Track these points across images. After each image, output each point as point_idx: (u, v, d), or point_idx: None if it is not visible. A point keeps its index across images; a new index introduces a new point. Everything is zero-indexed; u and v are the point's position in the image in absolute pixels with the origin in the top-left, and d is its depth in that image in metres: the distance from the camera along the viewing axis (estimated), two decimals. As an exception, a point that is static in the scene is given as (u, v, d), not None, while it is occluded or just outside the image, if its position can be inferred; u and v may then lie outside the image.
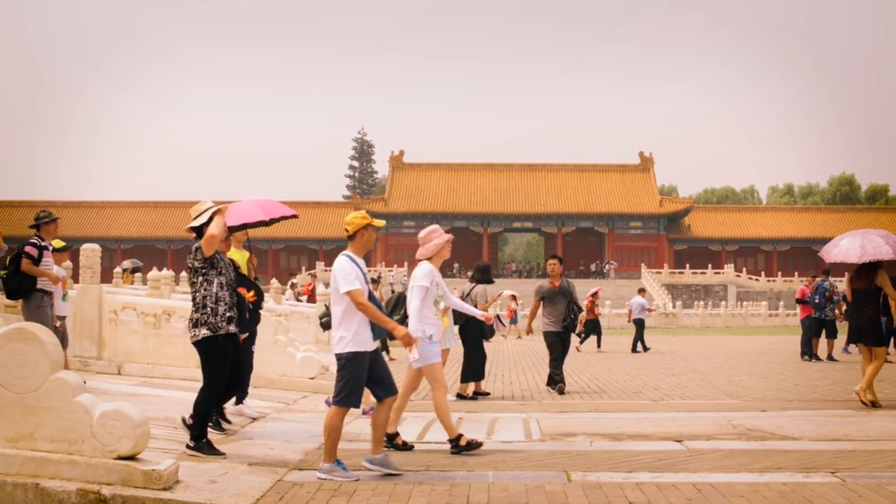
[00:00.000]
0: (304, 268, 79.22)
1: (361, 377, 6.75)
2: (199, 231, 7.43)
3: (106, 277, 17.69)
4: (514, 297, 34.02)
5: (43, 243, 10.55)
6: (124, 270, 27.08)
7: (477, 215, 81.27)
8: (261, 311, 9.90)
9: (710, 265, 77.54)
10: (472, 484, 6.40)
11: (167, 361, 13.54)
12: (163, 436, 7.79)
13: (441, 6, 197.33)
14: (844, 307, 17.37)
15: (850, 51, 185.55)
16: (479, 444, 7.78)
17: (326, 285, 26.34)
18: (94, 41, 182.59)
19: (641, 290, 27.18)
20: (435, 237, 8.02)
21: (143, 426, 5.69)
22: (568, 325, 12.95)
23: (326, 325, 12.16)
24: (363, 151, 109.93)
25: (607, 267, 79.43)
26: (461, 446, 7.70)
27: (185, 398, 11.02)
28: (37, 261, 10.38)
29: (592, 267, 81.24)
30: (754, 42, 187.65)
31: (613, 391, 13.48)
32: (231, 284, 7.45)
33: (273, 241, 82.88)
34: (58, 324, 11.06)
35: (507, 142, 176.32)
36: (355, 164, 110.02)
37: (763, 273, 77.91)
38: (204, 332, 7.21)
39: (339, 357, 6.78)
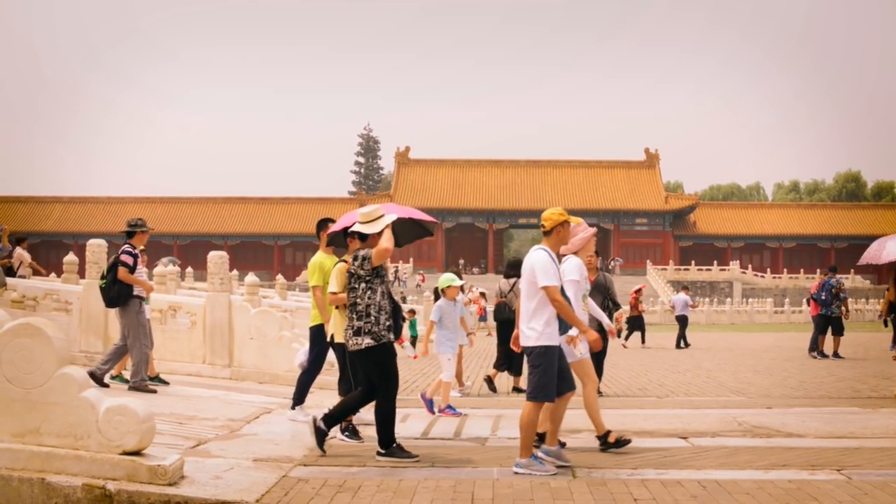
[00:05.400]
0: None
1: (554, 371, 6.79)
2: (362, 234, 7.34)
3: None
4: (482, 295, 34.11)
5: (135, 251, 10.81)
6: None
7: (482, 211, 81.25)
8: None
9: (715, 262, 77.45)
10: (477, 480, 6.41)
11: (172, 357, 13.56)
12: (168, 431, 7.81)
13: (448, 2, 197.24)
14: (886, 307, 17.49)
15: (861, 45, 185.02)
16: (627, 441, 7.62)
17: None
18: (97, 40, 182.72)
19: (685, 288, 27.45)
20: (580, 231, 7.83)
21: (148, 421, 5.70)
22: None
23: None
24: (369, 147, 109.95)
25: (612, 263, 79.33)
26: (610, 443, 7.58)
27: (190, 394, 11.05)
28: (132, 269, 10.64)
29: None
30: (756, 39, 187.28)
31: (618, 388, 13.47)
32: (390, 293, 7.41)
33: (279, 237, 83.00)
34: None
35: (512, 138, 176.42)
36: (361, 160, 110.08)
37: (768, 270, 77.80)
38: (367, 341, 7.15)
39: (531, 350, 6.80)
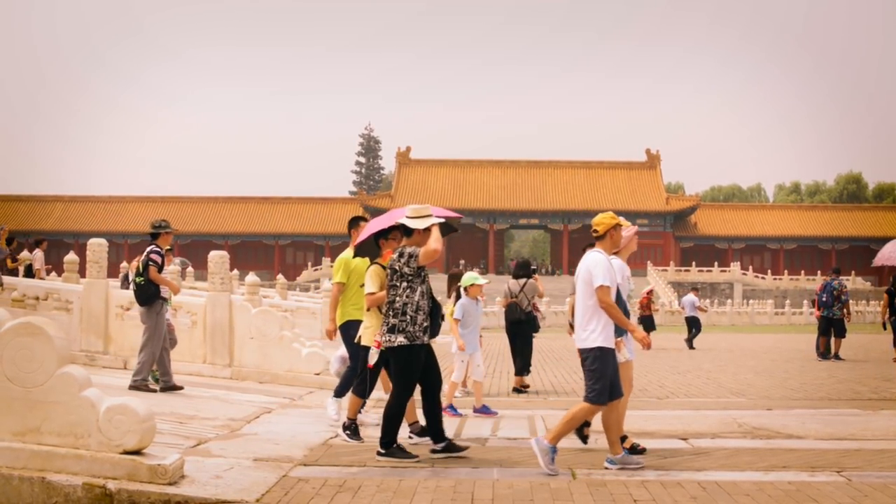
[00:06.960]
0: (310, 263, 79.29)
1: (609, 373, 6.77)
2: (407, 229, 7.29)
3: (112, 272, 17.68)
4: None
5: (162, 251, 10.88)
6: None
7: (483, 212, 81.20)
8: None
9: (716, 263, 77.39)
10: (477, 481, 6.41)
11: (173, 356, 13.53)
12: (168, 430, 7.81)
13: (448, 2, 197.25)
14: (886, 309, 17.52)
15: (861, 46, 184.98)
16: (641, 451, 7.53)
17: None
18: (98, 39, 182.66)
19: (695, 289, 27.45)
20: (622, 230, 7.76)
21: (148, 421, 5.70)
22: None
23: None
24: (370, 147, 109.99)
25: (613, 264, 79.30)
26: (624, 448, 7.51)
27: (190, 393, 11.05)
28: (160, 268, 10.72)
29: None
30: (757, 39, 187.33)
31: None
32: (430, 293, 7.35)
33: (279, 236, 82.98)
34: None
35: (513, 138, 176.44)
36: (362, 160, 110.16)
37: (769, 271, 77.74)
38: (400, 339, 7.11)
39: (587, 352, 6.78)
